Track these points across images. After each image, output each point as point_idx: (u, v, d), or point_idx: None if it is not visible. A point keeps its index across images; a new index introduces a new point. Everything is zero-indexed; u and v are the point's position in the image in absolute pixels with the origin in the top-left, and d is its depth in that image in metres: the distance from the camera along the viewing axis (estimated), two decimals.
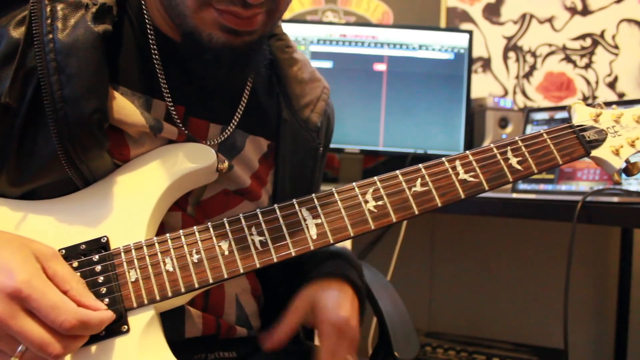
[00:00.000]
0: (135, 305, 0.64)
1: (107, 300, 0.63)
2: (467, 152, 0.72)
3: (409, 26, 1.91)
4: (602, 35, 2.09)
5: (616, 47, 2.09)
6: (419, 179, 0.70)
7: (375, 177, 0.71)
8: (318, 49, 1.84)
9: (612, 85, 2.09)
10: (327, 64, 1.84)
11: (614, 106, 0.79)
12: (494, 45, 2.12)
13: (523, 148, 0.72)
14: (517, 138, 0.73)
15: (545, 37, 2.11)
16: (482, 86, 2.11)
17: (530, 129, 1.59)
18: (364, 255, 1.92)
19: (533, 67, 2.12)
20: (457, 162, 0.71)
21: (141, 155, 0.72)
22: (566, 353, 1.17)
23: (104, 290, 0.63)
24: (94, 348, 0.62)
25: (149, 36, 0.73)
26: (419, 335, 1.93)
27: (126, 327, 0.63)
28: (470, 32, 1.86)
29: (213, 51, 0.70)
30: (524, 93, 2.12)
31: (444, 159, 0.72)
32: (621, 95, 2.08)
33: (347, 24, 2.05)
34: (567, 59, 2.11)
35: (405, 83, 1.84)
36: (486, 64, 2.12)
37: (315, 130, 0.89)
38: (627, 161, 0.75)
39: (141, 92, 0.72)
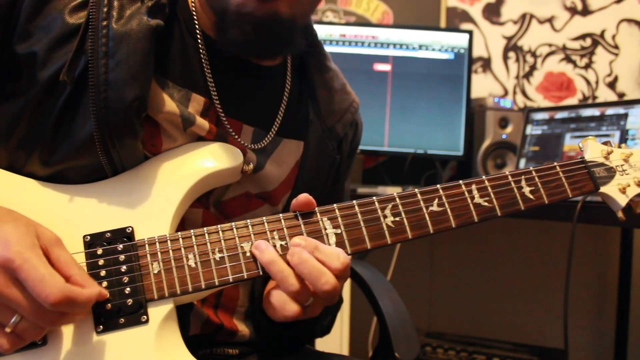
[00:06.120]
0: (156, 297, 0.65)
1: (128, 289, 0.64)
2: (484, 177, 0.75)
3: (409, 26, 1.91)
4: (602, 35, 2.09)
5: (616, 47, 2.09)
6: (436, 199, 0.73)
7: (395, 194, 0.73)
8: None
9: (612, 85, 2.09)
10: None
11: (623, 145, 0.83)
12: (494, 45, 2.12)
13: (536, 178, 0.76)
14: (531, 168, 0.77)
15: (545, 37, 2.11)
16: (482, 86, 2.11)
17: (530, 129, 1.59)
18: (364, 255, 1.92)
19: (533, 67, 2.12)
20: (474, 186, 0.74)
21: (171, 150, 0.74)
22: (566, 353, 1.17)
23: (126, 279, 0.65)
24: (113, 336, 0.63)
25: (197, 37, 0.77)
26: (419, 335, 1.93)
27: (145, 317, 0.64)
28: (470, 32, 1.86)
29: (242, 23, 0.72)
30: (524, 93, 2.12)
31: (461, 181, 0.74)
32: (621, 95, 2.08)
33: (347, 24, 2.05)
34: (567, 59, 2.11)
35: (407, 83, 1.84)
36: (486, 64, 2.12)
37: (337, 141, 0.89)
38: (631, 200, 0.79)
39: (181, 85, 0.75)
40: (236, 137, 0.79)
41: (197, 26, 0.77)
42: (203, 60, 0.77)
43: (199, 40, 0.77)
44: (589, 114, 1.48)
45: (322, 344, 1.41)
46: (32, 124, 0.69)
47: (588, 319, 2.07)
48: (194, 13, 0.78)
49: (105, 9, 0.67)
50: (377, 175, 2.00)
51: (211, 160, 0.74)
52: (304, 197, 0.70)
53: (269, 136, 0.82)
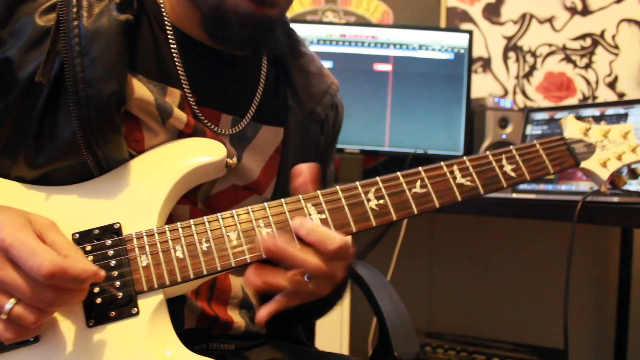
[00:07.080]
0: (145, 288, 0.65)
1: (118, 283, 0.65)
2: (465, 157, 0.75)
3: (409, 26, 1.91)
4: (602, 35, 2.09)
5: (616, 47, 2.09)
6: (419, 181, 0.73)
7: (377, 178, 0.73)
8: (318, 49, 1.84)
9: (612, 85, 2.09)
10: (327, 64, 1.84)
11: (602, 122, 0.85)
12: (494, 45, 2.12)
13: (517, 157, 0.77)
14: (511, 147, 0.77)
15: (545, 37, 2.11)
16: (482, 86, 2.11)
17: (530, 129, 1.59)
18: (364, 255, 1.92)
19: (533, 67, 2.12)
20: (455, 167, 0.74)
21: (154, 148, 0.75)
22: (566, 353, 1.17)
23: (115, 273, 0.65)
24: (104, 329, 0.64)
25: (167, 30, 0.77)
26: (419, 335, 1.93)
27: (136, 309, 0.65)
28: (470, 32, 1.86)
29: (236, 22, 0.73)
30: (524, 93, 2.12)
31: (442, 163, 0.75)
32: (621, 95, 2.08)
33: (347, 24, 2.05)
34: (567, 59, 2.11)
35: (407, 83, 1.84)
36: (486, 64, 2.13)
37: (319, 122, 0.90)
38: (613, 174, 0.81)
39: (157, 80, 0.75)
40: (213, 127, 0.79)
41: (166, 19, 0.78)
42: (174, 54, 0.77)
43: (169, 34, 0.77)
44: (589, 114, 1.48)
45: (322, 344, 1.41)
46: (14, 128, 0.70)
47: (588, 319, 2.07)
48: (162, 6, 0.78)
49: (74, 9, 0.68)
50: (377, 175, 1.99)
51: (195, 155, 0.74)
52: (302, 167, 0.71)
53: (244, 121, 0.82)
